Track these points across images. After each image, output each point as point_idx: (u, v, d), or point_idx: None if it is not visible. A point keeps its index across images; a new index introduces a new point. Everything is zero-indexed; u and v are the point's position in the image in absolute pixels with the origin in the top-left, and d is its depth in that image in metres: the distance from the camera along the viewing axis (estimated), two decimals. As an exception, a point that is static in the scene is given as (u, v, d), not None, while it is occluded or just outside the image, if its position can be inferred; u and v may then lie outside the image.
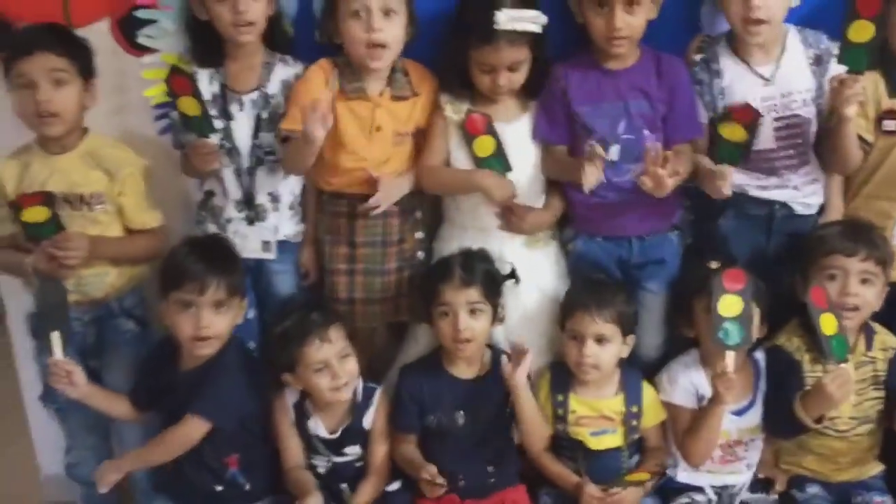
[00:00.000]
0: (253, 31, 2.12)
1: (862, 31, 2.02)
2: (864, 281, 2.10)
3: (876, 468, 2.21)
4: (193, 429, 2.08)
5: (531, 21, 2.11)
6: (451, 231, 2.32)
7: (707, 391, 2.11)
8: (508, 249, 2.26)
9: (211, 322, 2.04)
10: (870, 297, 2.11)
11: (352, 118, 2.17)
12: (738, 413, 2.15)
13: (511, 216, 2.21)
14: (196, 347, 2.07)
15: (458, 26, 2.17)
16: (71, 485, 2.36)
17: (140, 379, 2.17)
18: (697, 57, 2.21)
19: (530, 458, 2.22)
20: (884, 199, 2.22)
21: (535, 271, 2.29)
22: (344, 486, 2.19)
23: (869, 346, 2.15)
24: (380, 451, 2.19)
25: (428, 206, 2.33)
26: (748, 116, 2.04)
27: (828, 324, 1.99)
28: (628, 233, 2.25)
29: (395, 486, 2.20)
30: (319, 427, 2.17)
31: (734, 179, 2.13)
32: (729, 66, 2.18)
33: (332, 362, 2.09)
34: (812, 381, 2.10)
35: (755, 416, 2.17)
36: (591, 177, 2.04)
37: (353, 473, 2.20)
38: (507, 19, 2.08)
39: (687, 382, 2.17)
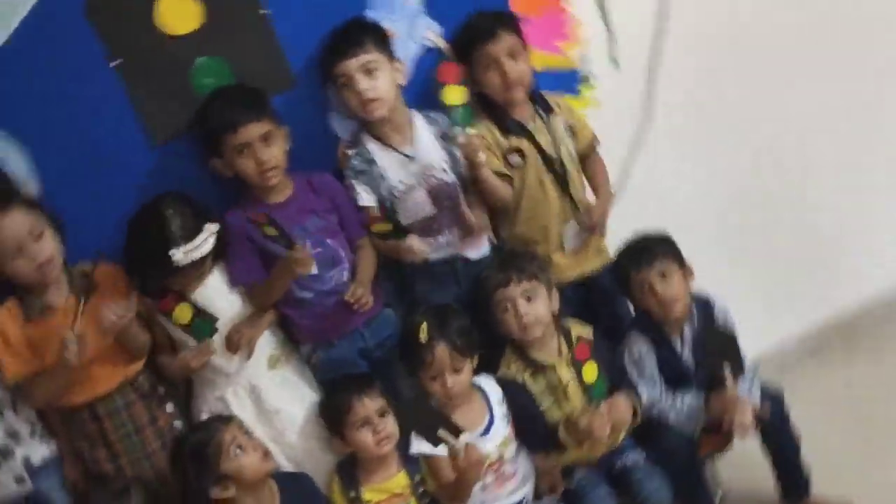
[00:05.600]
0: None
1: (453, 95, 2.40)
2: (528, 299, 2.40)
3: (624, 432, 2.49)
4: None
5: (204, 243, 2.26)
6: (201, 388, 2.43)
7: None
8: (256, 379, 2.40)
9: None
10: (540, 308, 2.41)
11: (56, 337, 2.19)
12: (485, 432, 2.37)
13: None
14: None
15: (136, 267, 2.30)
16: None
17: None
18: (351, 152, 2.46)
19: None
20: (535, 218, 2.56)
21: (290, 387, 2.45)
22: None
23: (570, 345, 2.45)
24: None
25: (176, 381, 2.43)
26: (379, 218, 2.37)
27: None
28: (356, 324, 2.44)
29: None
30: None
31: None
32: (378, 153, 2.45)
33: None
34: (536, 393, 2.41)
35: (500, 430, 2.39)
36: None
37: None
38: (184, 256, 2.23)
39: None
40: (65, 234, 2.26)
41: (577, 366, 2.36)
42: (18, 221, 2.17)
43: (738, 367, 2.35)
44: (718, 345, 2.37)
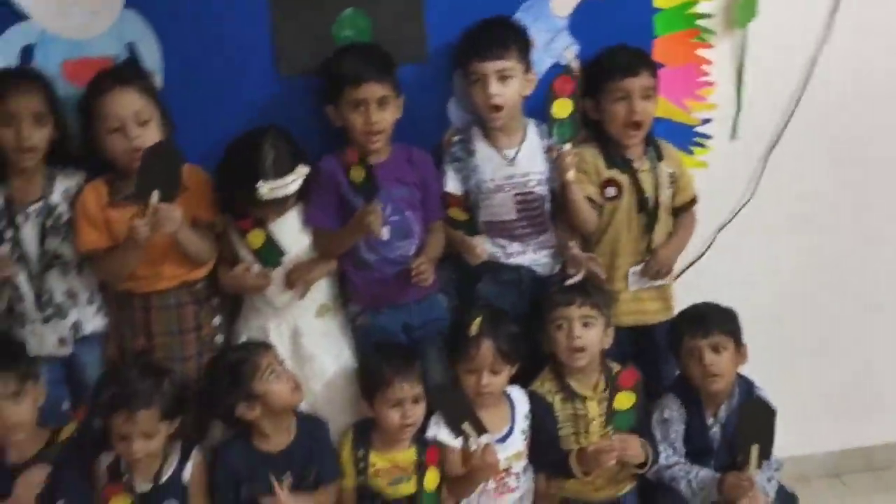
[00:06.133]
0: (35, 156, 2.25)
1: (562, 108, 2.44)
2: (585, 324, 2.43)
3: (629, 485, 2.53)
4: None
5: (291, 184, 2.33)
6: (248, 312, 2.51)
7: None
8: (301, 322, 2.48)
9: (9, 412, 2.15)
10: (593, 337, 2.44)
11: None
12: (501, 440, 2.41)
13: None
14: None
15: (224, 186, 2.39)
16: None
17: None
18: (455, 139, 2.53)
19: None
20: (613, 254, 2.58)
21: (330, 339, 2.51)
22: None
23: (608, 384, 2.46)
24: None
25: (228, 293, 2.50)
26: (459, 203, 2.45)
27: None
28: (408, 299, 2.50)
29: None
30: (138, 482, 2.26)
31: (487, 248, 2.48)
32: (481, 148, 2.52)
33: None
34: (560, 418, 2.44)
35: (516, 442, 2.44)
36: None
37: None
38: (269, 191, 2.30)
39: None
40: (172, 135, 2.34)
41: (615, 389, 2.37)
42: (130, 100, 2.26)
43: (766, 450, 2.30)
44: (756, 418, 2.31)
